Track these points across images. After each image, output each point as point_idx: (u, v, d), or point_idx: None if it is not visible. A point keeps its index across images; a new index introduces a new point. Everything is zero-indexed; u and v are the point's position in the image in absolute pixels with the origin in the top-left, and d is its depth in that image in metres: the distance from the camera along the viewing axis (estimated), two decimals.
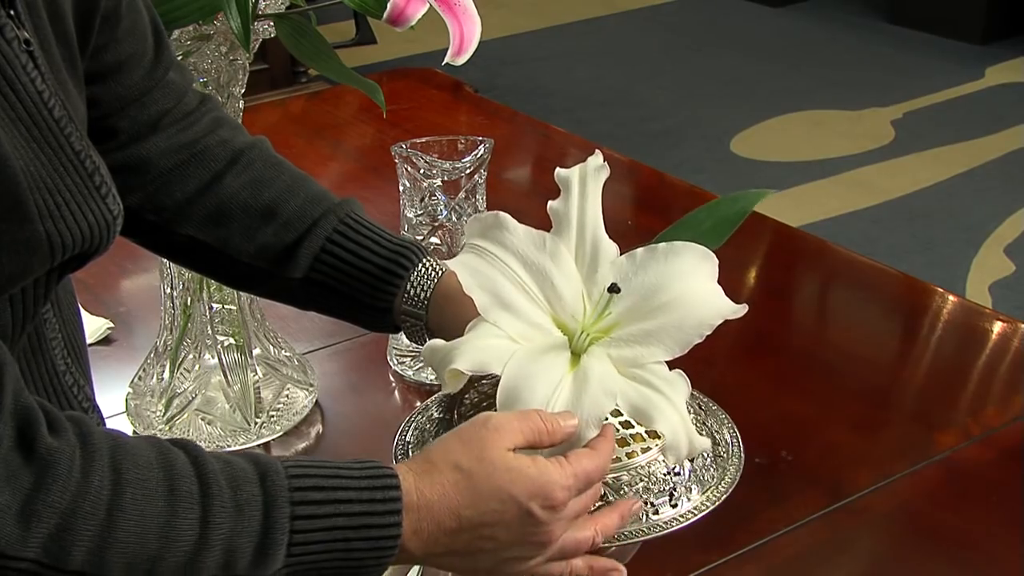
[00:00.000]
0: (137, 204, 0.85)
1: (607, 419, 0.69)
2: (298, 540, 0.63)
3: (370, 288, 0.85)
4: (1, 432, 0.58)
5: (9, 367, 0.61)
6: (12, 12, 0.67)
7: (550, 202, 0.74)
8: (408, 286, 0.84)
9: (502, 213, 0.73)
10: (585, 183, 0.75)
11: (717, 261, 0.73)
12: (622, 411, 0.69)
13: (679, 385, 0.69)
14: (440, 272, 0.84)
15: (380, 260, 0.85)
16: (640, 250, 0.73)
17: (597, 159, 0.75)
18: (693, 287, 0.72)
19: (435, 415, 0.77)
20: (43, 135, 0.67)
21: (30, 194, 0.64)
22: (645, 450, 0.71)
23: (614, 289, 0.70)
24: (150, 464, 0.62)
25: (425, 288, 0.84)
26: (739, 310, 0.71)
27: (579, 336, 0.70)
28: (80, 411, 0.80)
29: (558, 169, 0.75)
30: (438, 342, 0.69)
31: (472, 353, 0.67)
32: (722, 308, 0.71)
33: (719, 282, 0.73)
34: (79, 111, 0.74)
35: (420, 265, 0.84)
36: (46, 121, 0.67)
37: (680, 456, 0.68)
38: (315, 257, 0.85)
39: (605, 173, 0.75)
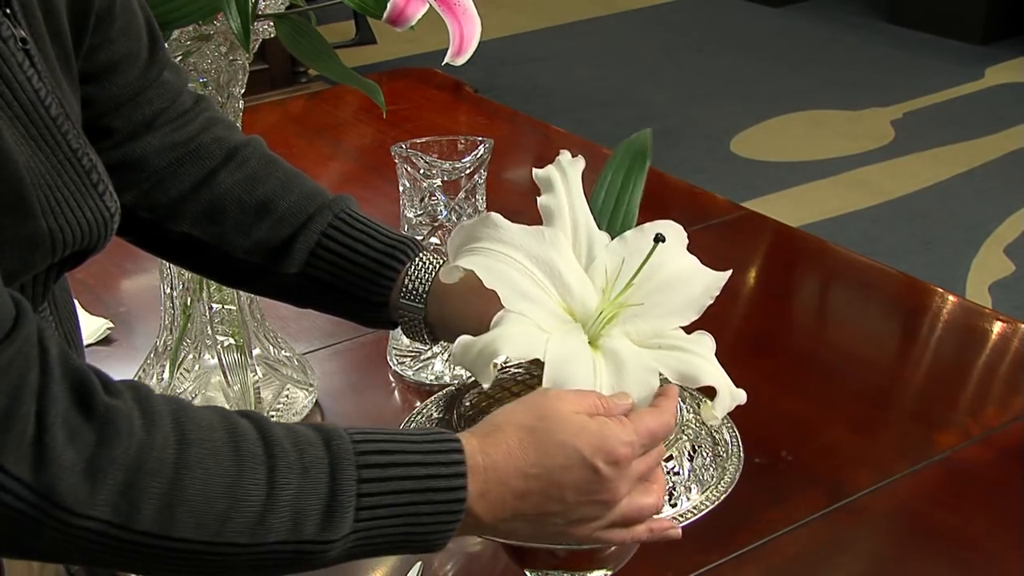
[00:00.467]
0: (132, 202, 0.85)
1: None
2: (365, 504, 0.63)
3: (366, 282, 0.84)
4: (56, 392, 0.58)
5: (50, 332, 0.60)
6: (8, 11, 0.67)
7: (539, 198, 0.74)
8: (405, 279, 0.84)
9: (491, 213, 0.73)
10: (567, 176, 0.75)
11: (686, 236, 0.77)
12: (668, 377, 0.69)
13: (706, 342, 0.72)
14: (438, 265, 0.84)
15: (376, 254, 0.84)
16: (628, 233, 0.75)
17: (567, 155, 0.76)
18: (684, 261, 0.75)
19: (435, 415, 0.77)
20: (41, 133, 0.67)
21: (32, 190, 0.64)
22: None
23: (660, 239, 0.71)
24: (213, 426, 0.61)
25: (424, 281, 0.84)
26: (726, 275, 0.75)
27: (595, 320, 0.71)
28: None
29: (535, 170, 0.75)
30: (469, 338, 0.68)
31: (513, 342, 0.67)
32: (715, 274, 0.75)
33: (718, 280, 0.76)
34: (75, 110, 0.75)
35: (417, 258, 0.84)
36: (43, 119, 0.67)
37: (728, 408, 0.70)
38: (310, 252, 0.85)
39: (580, 164, 0.76)
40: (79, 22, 0.76)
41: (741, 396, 0.71)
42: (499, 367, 0.77)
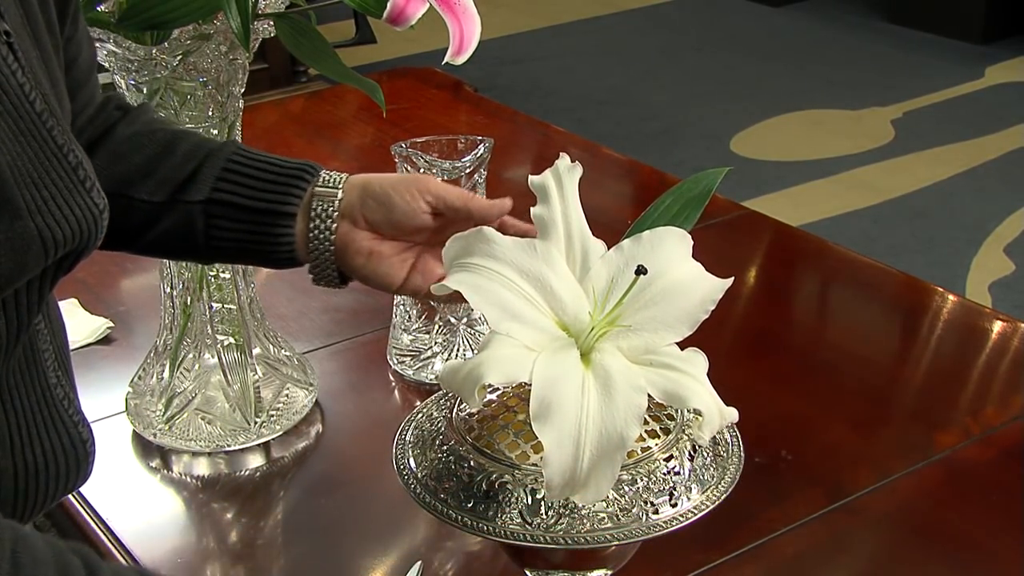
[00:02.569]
0: None
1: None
2: None
3: (277, 194, 0.85)
4: None
5: None
6: None
7: (532, 208, 0.74)
8: (320, 181, 0.85)
9: (484, 227, 0.73)
10: (562, 185, 0.75)
11: (692, 241, 0.75)
12: (655, 398, 0.69)
13: (698, 361, 0.70)
14: (346, 176, 0.86)
15: (286, 167, 0.86)
16: (626, 242, 0.74)
17: (565, 160, 0.76)
18: (684, 268, 0.74)
19: (434, 414, 0.77)
20: (27, 129, 0.66)
21: (18, 189, 0.64)
22: (644, 450, 0.72)
23: (641, 271, 0.70)
24: (47, 562, 0.59)
25: (336, 181, 0.85)
26: (727, 283, 0.73)
27: (587, 334, 0.70)
28: (70, 423, 0.80)
29: (531, 176, 0.75)
30: (455, 362, 0.68)
31: (498, 366, 0.67)
32: (715, 283, 0.73)
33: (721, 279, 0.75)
34: (63, 103, 0.74)
35: (324, 172, 0.86)
36: (28, 115, 0.67)
37: (715, 429, 0.69)
38: (217, 176, 0.85)
39: (578, 172, 0.76)
40: (61, 11, 0.76)
41: (732, 415, 0.70)
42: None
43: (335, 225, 0.85)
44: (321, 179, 0.86)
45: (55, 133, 0.69)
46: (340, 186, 0.86)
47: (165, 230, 0.87)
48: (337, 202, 0.85)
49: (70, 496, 1.00)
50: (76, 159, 0.70)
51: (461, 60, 0.88)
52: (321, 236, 0.85)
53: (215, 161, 0.86)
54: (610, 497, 0.70)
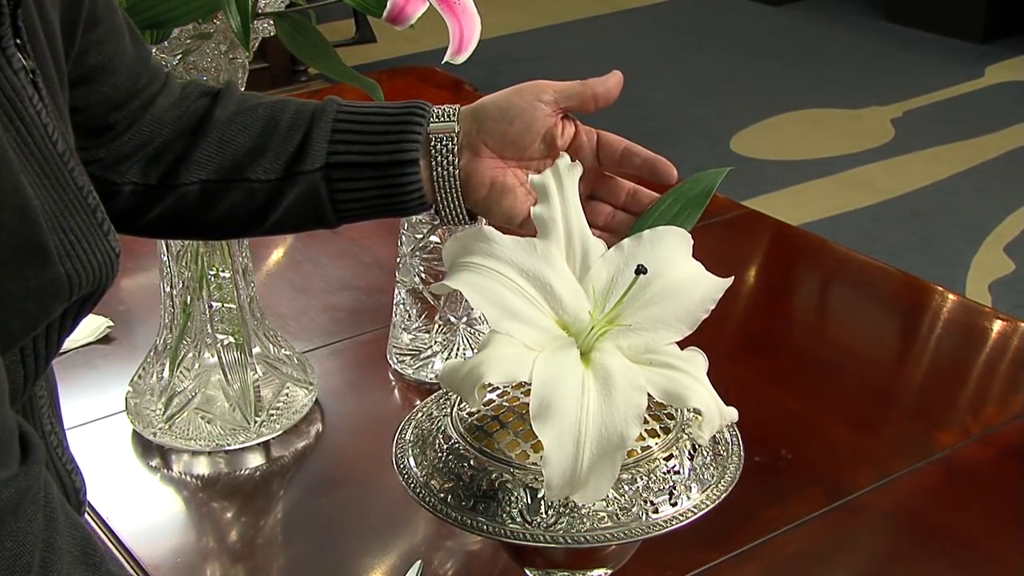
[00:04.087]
0: (140, 175, 0.84)
1: None
2: None
3: (393, 145, 0.83)
4: (61, 547, 0.56)
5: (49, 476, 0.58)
6: (19, 40, 0.64)
7: (532, 208, 0.74)
8: (433, 116, 0.83)
9: (485, 226, 0.73)
10: (562, 184, 0.75)
11: (692, 240, 0.75)
12: (655, 397, 0.69)
13: (698, 361, 0.70)
14: (458, 108, 0.84)
15: (394, 115, 0.83)
16: (626, 241, 0.74)
17: (565, 159, 0.76)
18: (685, 268, 0.74)
19: (434, 414, 0.77)
20: (52, 172, 0.64)
21: (48, 235, 0.61)
22: (644, 449, 0.72)
23: (641, 270, 0.70)
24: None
25: (451, 113, 0.83)
26: (727, 283, 0.73)
27: (587, 334, 0.70)
28: (64, 472, 0.77)
29: (531, 176, 0.75)
30: (455, 361, 0.68)
31: (498, 365, 0.67)
32: (715, 282, 0.73)
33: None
34: (70, 139, 0.72)
35: (436, 108, 0.84)
36: (52, 156, 0.65)
37: (715, 428, 0.69)
38: (329, 140, 0.83)
39: (578, 171, 0.76)
40: (69, 31, 0.74)
41: (732, 415, 0.70)
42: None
43: (458, 159, 0.83)
44: (434, 115, 0.84)
45: (75, 174, 0.66)
46: (455, 118, 0.83)
47: (290, 206, 0.85)
48: (456, 135, 0.83)
49: None
50: (95, 201, 0.68)
51: (461, 59, 0.88)
52: (445, 174, 0.83)
53: (322, 124, 0.84)
54: (610, 496, 0.70)
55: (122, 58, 0.82)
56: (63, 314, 0.65)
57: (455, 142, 0.83)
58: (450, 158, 0.83)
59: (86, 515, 0.97)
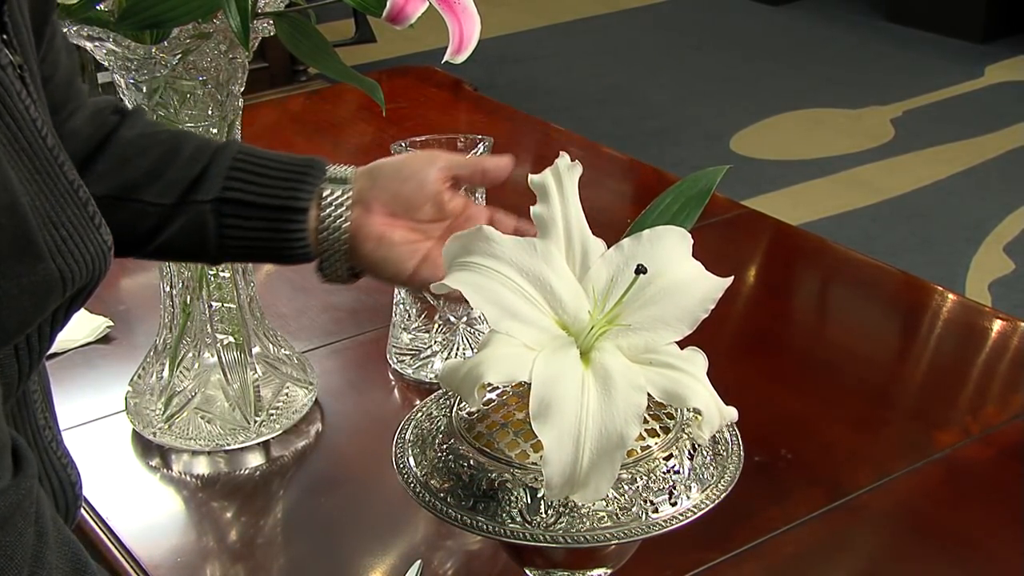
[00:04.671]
0: None
1: None
2: None
3: (289, 187, 0.84)
4: (51, 562, 0.56)
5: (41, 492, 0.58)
6: (5, 36, 0.64)
7: (532, 208, 0.74)
8: (330, 173, 0.85)
9: (484, 226, 0.73)
10: (562, 184, 0.75)
11: (691, 240, 0.75)
12: (655, 397, 0.69)
13: (698, 360, 0.70)
14: (355, 170, 0.86)
15: (295, 162, 0.85)
16: (625, 241, 0.74)
17: (565, 159, 0.76)
18: (684, 267, 0.74)
19: (434, 413, 0.77)
20: (42, 167, 0.64)
21: (39, 232, 0.61)
22: (644, 448, 0.72)
23: (641, 270, 0.70)
24: None
25: (347, 171, 0.85)
26: (727, 282, 0.73)
27: (587, 333, 0.70)
28: (59, 466, 0.77)
29: (531, 176, 0.75)
30: (455, 361, 0.68)
31: (498, 365, 0.67)
32: (715, 282, 0.73)
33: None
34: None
35: (333, 166, 0.86)
36: (42, 151, 0.64)
37: (715, 428, 0.69)
38: (226, 175, 0.84)
39: (578, 170, 0.76)
40: (39, 33, 0.74)
41: (732, 414, 0.70)
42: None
43: (348, 212, 0.84)
44: (331, 172, 0.86)
45: (66, 168, 0.67)
46: (350, 176, 0.85)
47: (176, 232, 0.85)
48: (349, 190, 0.84)
49: None
50: (86, 195, 0.68)
51: (461, 59, 0.88)
52: (333, 226, 0.84)
53: (222, 159, 0.85)
54: (610, 496, 0.70)
55: (61, 69, 0.82)
56: (55, 308, 0.65)
57: (348, 196, 0.84)
58: (340, 210, 0.84)
59: (82, 511, 0.97)
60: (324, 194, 0.84)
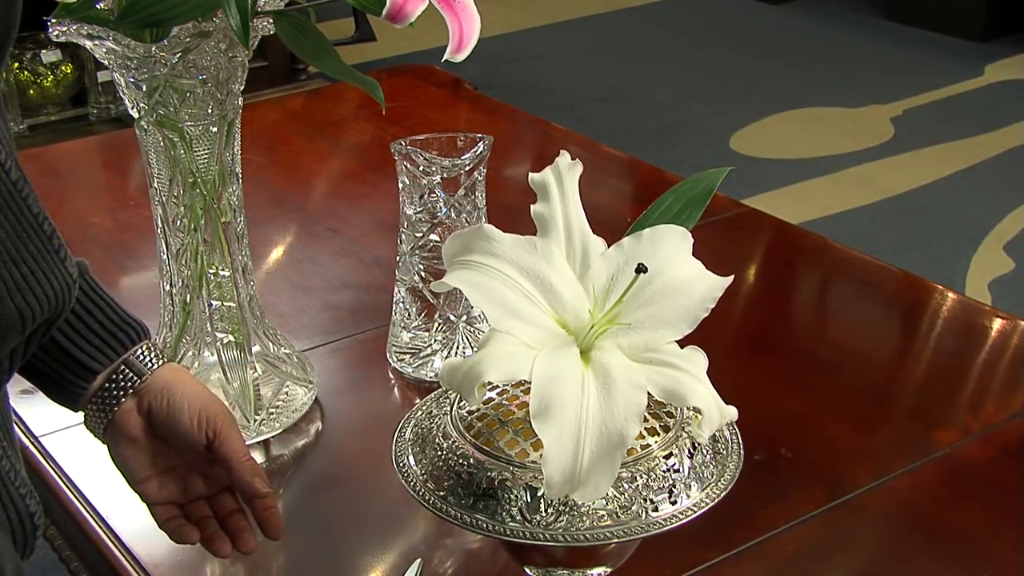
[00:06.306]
0: None
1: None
2: None
3: (92, 344, 0.83)
4: None
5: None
6: None
7: (533, 206, 0.74)
8: (136, 352, 0.84)
9: (485, 225, 0.73)
10: (562, 182, 0.75)
11: (692, 239, 0.75)
12: (655, 396, 0.69)
13: (698, 359, 0.70)
14: (162, 361, 0.85)
15: (112, 322, 0.83)
16: (626, 239, 0.74)
17: (566, 158, 0.76)
18: (685, 266, 0.74)
19: (434, 412, 0.77)
20: (5, 203, 0.62)
21: None
22: (644, 447, 0.72)
23: (642, 269, 0.70)
24: None
25: (150, 361, 0.84)
26: (727, 281, 0.73)
27: (587, 332, 0.71)
28: (17, 497, 0.75)
29: (531, 174, 0.75)
30: (456, 360, 0.68)
31: (498, 364, 0.67)
32: (715, 281, 0.73)
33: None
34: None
35: (146, 345, 0.85)
36: (6, 185, 0.62)
37: (715, 427, 0.69)
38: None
39: (578, 169, 0.76)
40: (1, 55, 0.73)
41: (731, 413, 0.70)
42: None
43: (124, 398, 0.83)
44: (139, 351, 0.84)
45: (30, 202, 0.64)
46: (150, 368, 0.84)
47: None
48: (139, 381, 0.83)
49: (70, 495, 1.00)
50: (51, 227, 0.66)
51: (460, 58, 0.88)
52: (108, 401, 0.83)
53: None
54: (610, 495, 0.70)
55: None
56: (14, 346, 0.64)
57: (132, 384, 0.83)
58: (119, 394, 0.83)
59: (82, 511, 0.97)
60: (118, 368, 0.83)
